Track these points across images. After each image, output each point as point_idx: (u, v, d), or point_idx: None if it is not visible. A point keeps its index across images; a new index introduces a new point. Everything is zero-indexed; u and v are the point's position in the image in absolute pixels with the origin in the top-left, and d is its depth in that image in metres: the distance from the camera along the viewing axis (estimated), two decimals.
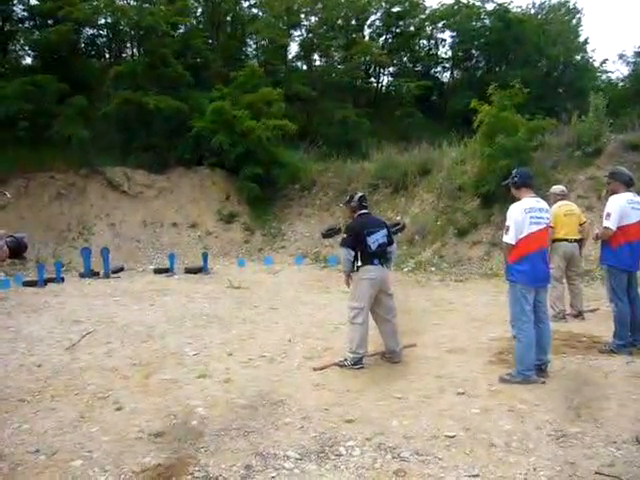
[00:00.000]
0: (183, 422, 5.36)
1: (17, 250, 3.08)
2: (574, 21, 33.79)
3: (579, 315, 9.81)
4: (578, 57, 32.84)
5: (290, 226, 21.92)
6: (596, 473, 4.15)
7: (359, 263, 7.13)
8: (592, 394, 5.78)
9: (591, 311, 10.23)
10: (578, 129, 17.64)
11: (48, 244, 18.53)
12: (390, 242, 7.44)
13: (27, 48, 26.02)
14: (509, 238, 6.34)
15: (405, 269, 16.57)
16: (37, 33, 24.71)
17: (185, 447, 4.81)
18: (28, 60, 26.45)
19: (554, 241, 9.73)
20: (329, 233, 8.59)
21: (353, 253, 7.18)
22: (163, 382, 6.64)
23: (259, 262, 19.27)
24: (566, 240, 9.73)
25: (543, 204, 6.52)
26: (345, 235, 7.46)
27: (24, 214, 18.82)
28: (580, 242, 9.93)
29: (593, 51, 48.62)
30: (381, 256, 7.24)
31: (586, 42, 32.86)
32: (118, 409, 5.75)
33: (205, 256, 17.71)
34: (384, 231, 7.40)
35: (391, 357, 7.32)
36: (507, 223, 6.41)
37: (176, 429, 5.19)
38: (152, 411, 5.65)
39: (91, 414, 5.63)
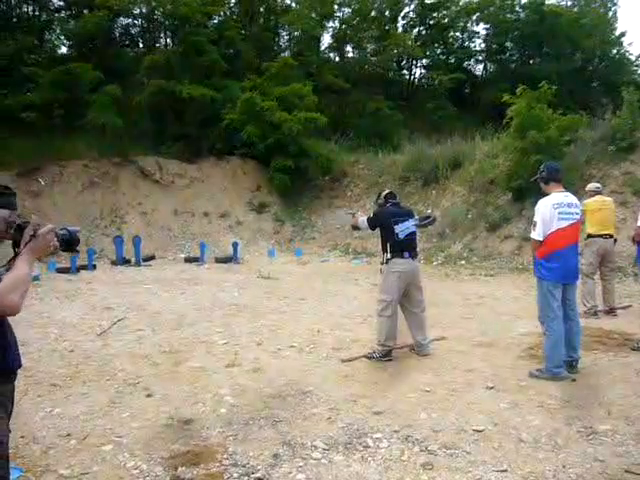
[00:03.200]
0: (212, 410, 5.40)
1: (70, 243, 3.15)
2: (610, 14, 33.25)
3: (611, 312, 9.68)
4: (614, 51, 32.29)
5: (320, 217, 21.96)
6: (626, 472, 4.10)
7: (388, 255, 7.12)
8: (623, 391, 5.72)
9: (623, 308, 10.10)
10: (612, 124, 17.40)
11: (81, 231, 18.70)
12: None
13: (62, 37, 26.33)
14: (536, 234, 6.23)
15: (435, 262, 16.53)
16: (72, 22, 24.98)
17: (214, 435, 4.85)
18: (63, 49, 26.78)
19: (588, 236, 9.63)
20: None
21: (371, 231, 7.60)
22: (193, 370, 6.69)
23: (289, 253, 19.32)
24: (600, 236, 9.62)
25: (572, 199, 6.38)
26: (372, 216, 7.54)
27: (57, 201, 19.07)
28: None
29: (630, 45, 47.81)
30: (411, 248, 7.22)
31: (622, 35, 32.29)
32: (148, 395, 5.81)
33: (235, 246, 17.79)
34: (412, 220, 7.39)
35: (419, 350, 7.29)
36: (534, 219, 6.30)
37: (205, 417, 5.24)
38: (181, 398, 5.70)
39: (121, 400, 5.70)
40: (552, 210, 6.16)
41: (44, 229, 2.93)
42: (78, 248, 3.28)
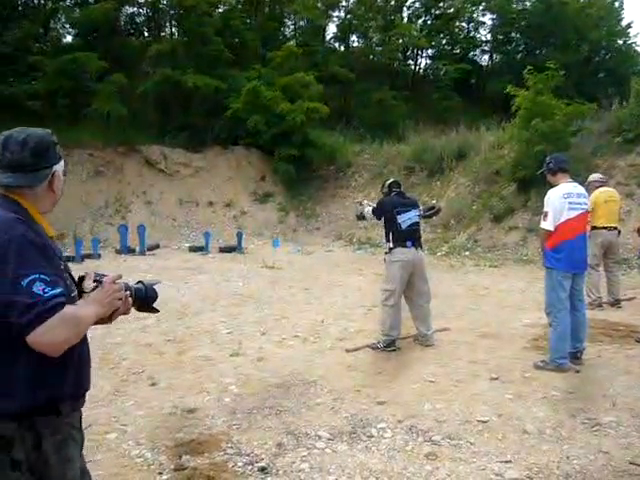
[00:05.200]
0: (216, 399, 5.41)
1: (143, 301, 2.70)
2: (616, 4, 33.04)
3: (616, 303, 9.65)
4: (620, 41, 32.11)
5: (325, 207, 21.93)
6: (630, 463, 4.09)
7: (391, 245, 7.13)
8: (627, 383, 5.71)
9: (628, 300, 10.07)
10: (619, 115, 17.34)
11: (86, 220, 18.80)
12: None
13: (68, 26, 26.30)
14: (547, 224, 6.20)
15: (439, 253, 16.50)
16: (78, 11, 24.95)
17: (218, 424, 4.86)
18: (69, 38, 26.75)
19: (593, 228, 9.59)
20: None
21: (377, 220, 7.53)
22: (197, 359, 6.70)
23: (293, 242, 19.30)
24: (605, 228, 9.57)
25: (581, 189, 6.38)
26: (376, 206, 7.59)
27: (63, 190, 19.06)
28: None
29: (636, 36, 47.34)
30: (414, 237, 7.22)
31: (629, 26, 32.09)
32: (152, 384, 5.82)
33: (240, 235, 17.82)
34: (416, 211, 7.38)
35: (423, 341, 7.28)
36: (545, 209, 6.25)
37: (209, 406, 5.24)
38: (186, 387, 5.71)
39: (126, 389, 5.71)
40: (563, 200, 6.13)
41: (110, 277, 2.43)
42: (156, 306, 2.68)
